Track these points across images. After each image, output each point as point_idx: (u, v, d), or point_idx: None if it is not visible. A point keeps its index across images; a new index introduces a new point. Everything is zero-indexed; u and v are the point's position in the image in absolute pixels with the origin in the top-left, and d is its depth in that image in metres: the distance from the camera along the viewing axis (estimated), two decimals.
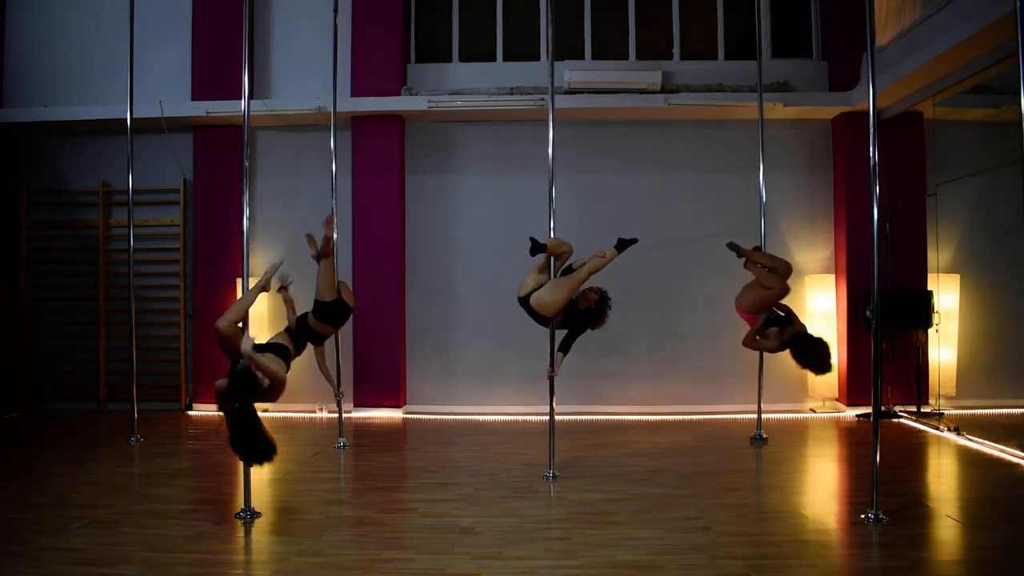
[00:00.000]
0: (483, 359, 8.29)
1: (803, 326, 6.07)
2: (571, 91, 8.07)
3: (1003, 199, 7.21)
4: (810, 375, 8.07)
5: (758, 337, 6.18)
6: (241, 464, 4.61)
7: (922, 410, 7.59)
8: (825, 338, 5.96)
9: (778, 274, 6.20)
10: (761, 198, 6.90)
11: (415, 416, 8.20)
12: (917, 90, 7.29)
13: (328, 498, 5.10)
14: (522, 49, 8.55)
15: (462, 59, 8.65)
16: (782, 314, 6.23)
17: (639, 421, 7.86)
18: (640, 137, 8.42)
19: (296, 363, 6.30)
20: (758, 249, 6.58)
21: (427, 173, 8.50)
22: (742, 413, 7.84)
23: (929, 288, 7.60)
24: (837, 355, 8.17)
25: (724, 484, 5.32)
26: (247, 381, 4.25)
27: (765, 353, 6.53)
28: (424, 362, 8.43)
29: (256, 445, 4.21)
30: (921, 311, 7.50)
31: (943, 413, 7.39)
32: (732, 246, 6.47)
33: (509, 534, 4.27)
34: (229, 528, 4.43)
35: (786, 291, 6.22)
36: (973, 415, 7.40)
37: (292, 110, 8.12)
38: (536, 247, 5.59)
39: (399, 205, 8.35)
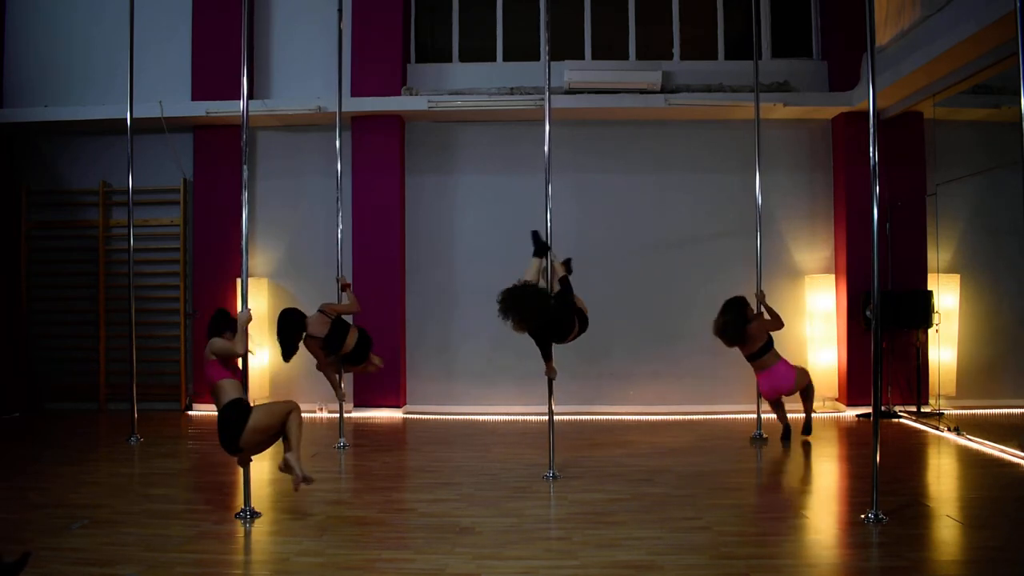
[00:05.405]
0: (483, 359, 8.28)
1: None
2: (571, 91, 8.06)
3: (1003, 199, 7.19)
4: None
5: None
6: (241, 465, 4.63)
7: (922, 410, 7.59)
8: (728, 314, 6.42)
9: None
10: (757, 200, 6.91)
11: (415, 416, 8.20)
12: (917, 90, 7.29)
13: (328, 498, 5.09)
14: (522, 49, 8.54)
15: (462, 59, 8.65)
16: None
17: (639, 421, 7.86)
18: (640, 137, 8.42)
19: (296, 363, 6.31)
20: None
21: (427, 173, 8.50)
22: (742, 413, 7.83)
23: (929, 288, 7.59)
24: (837, 355, 8.18)
25: (724, 484, 5.31)
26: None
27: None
28: (424, 362, 8.43)
29: None
30: (921, 311, 7.49)
31: (943, 413, 7.38)
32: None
33: (509, 534, 4.26)
34: (229, 528, 4.43)
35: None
36: (973, 415, 7.39)
37: (292, 110, 8.13)
38: (540, 247, 5.58)
39: (399, 205, 8.35)
